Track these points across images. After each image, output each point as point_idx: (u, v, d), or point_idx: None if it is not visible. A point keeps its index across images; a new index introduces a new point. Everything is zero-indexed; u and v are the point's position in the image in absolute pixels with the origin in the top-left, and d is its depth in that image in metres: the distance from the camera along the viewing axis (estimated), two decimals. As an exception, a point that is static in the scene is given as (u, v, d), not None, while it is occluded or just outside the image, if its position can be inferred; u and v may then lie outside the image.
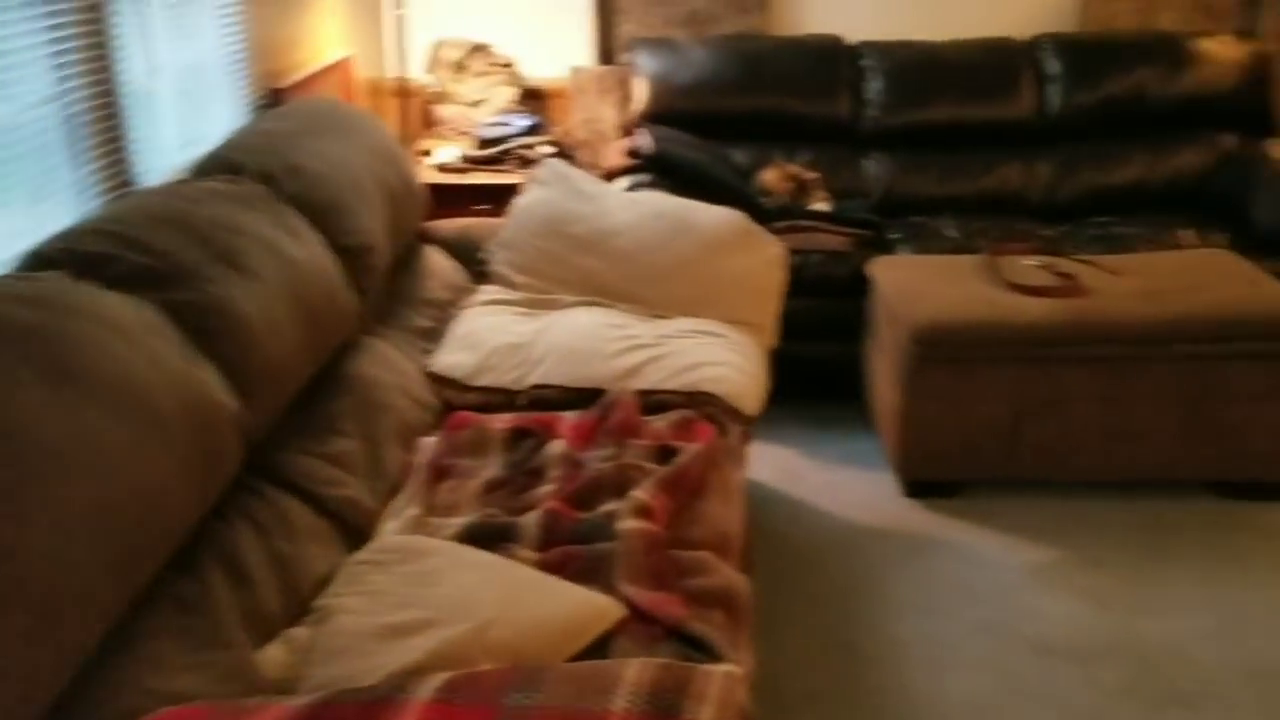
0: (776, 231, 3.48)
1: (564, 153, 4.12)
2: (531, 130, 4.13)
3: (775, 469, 3.32)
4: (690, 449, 2.17)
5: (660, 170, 3.49)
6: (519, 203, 3.03)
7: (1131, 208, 3.91)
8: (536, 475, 2.15)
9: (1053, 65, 4.02)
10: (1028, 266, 3.23)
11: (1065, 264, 3.25)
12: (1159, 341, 2.95)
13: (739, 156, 3.99)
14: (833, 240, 3.54)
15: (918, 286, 3.13)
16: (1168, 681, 2.43)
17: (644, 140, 3.52)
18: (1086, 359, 2.97)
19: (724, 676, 1.35)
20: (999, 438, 3.04)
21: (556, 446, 2.22)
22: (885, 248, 3.61)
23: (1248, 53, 4.01)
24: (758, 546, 2.92)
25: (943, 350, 2.97)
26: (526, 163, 4.03)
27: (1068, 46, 4.04)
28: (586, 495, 2.05)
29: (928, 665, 2.48)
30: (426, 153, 4.18)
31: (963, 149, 4.00)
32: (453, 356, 2.58)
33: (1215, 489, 3.15)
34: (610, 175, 3.55)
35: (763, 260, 2.98)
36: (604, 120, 4.37)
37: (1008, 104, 4.00)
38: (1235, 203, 3.71)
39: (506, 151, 4.05)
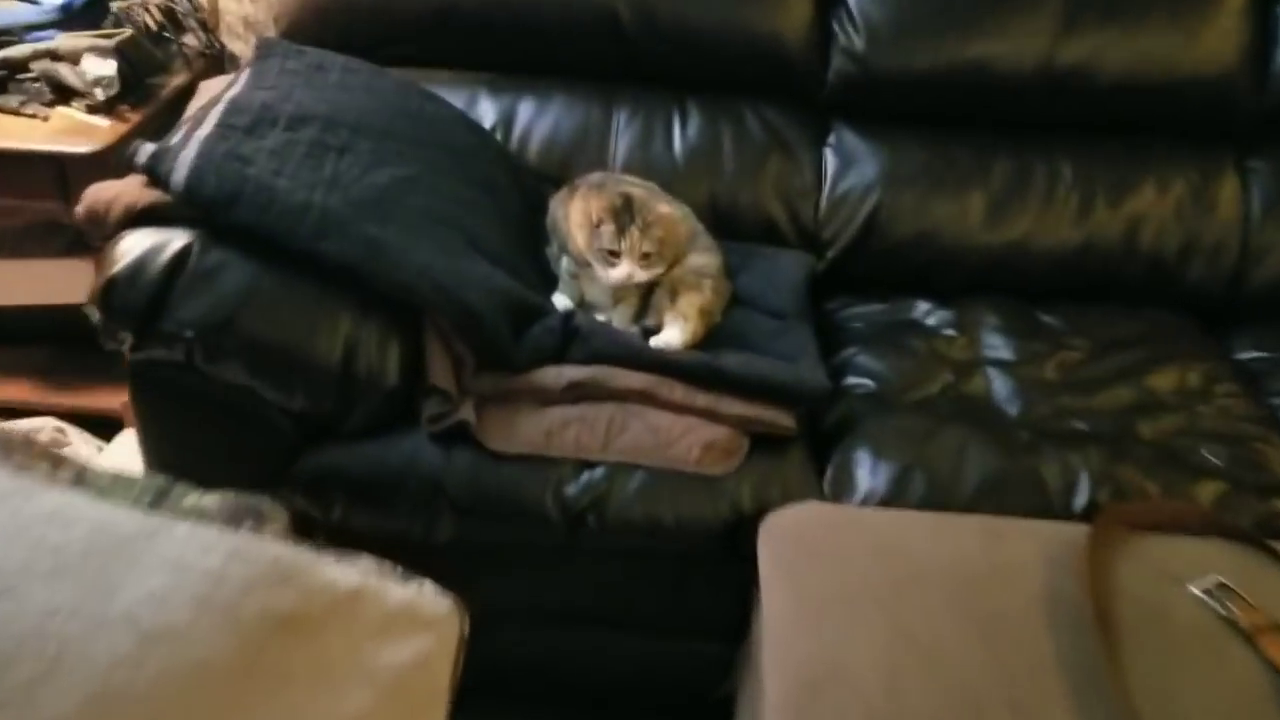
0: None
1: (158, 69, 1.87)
2: (81, 15, 1.83)
3: None
4: None
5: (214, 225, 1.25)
6: None
7: None
8: None
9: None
10: (1193, 602, 1.05)
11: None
12: None
13: (542, 123, 1.75)
14: (688, 444, 1.32)
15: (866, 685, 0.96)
16: None
17: (154, 149, 1.25)
18: None
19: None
20: None
21: None
22: (821, 448, 1.40)
23: None
24: None
25: None
26: (65, 92, 1.79)
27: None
28: None
29: None
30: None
31: (1051, 144, 1.74)
32: None
33: None
34: (97, 221, 1.29)
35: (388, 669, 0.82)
36: None
37: (1174, 50, 1.70)
38: None
39: (17, 66, 1.79)
